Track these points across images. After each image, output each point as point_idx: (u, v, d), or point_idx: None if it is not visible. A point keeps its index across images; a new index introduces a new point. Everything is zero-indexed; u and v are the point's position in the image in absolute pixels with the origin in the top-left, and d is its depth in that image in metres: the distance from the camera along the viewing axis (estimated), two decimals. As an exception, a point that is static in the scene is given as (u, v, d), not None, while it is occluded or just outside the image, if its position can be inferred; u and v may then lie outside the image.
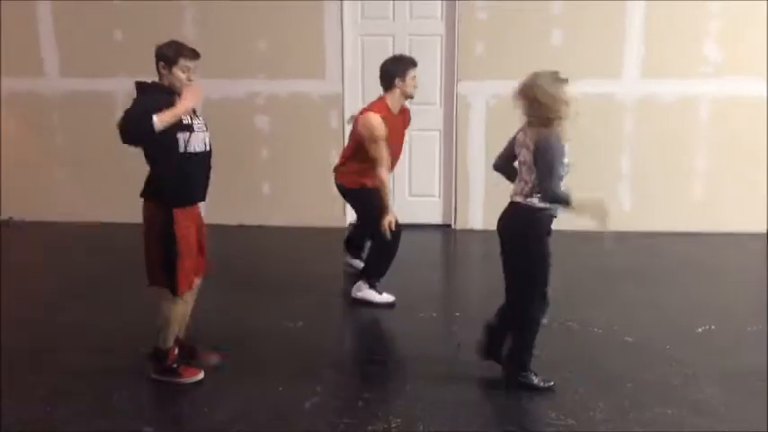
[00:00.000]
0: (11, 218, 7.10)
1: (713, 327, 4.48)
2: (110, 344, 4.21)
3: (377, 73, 4.76)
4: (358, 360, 4.16)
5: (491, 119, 6.64)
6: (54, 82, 6.89)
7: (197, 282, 3.76)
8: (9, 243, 6.40)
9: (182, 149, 3.49)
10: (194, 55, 3.58)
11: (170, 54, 3.52)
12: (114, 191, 6.72)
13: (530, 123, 3.54)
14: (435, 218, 7.01)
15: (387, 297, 4.87)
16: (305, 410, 3.48)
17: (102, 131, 6.18)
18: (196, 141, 3.54)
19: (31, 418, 3.40)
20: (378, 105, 4.69)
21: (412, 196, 6.92)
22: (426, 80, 6.70)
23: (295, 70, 6.71)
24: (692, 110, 6.58)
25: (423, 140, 6.85)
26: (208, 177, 3.70)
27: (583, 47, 6.48)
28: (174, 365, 3.72)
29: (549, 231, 3.59)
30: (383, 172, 4.61)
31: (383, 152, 4.59)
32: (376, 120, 4.57)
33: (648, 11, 6.44)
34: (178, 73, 3.53)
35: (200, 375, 3.75)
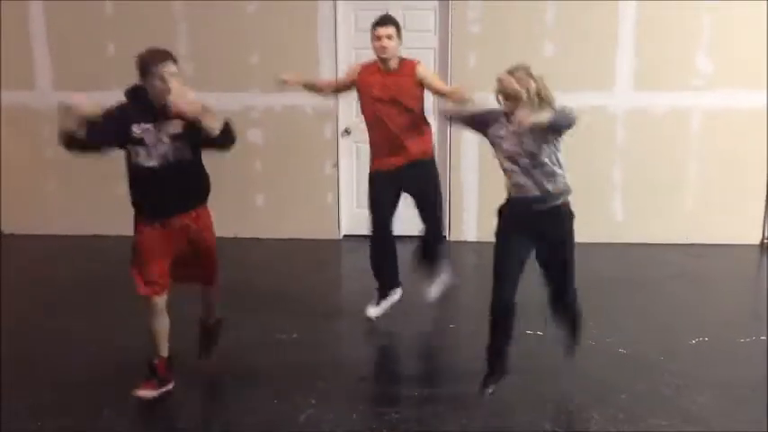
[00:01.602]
0: (0, 230, 7.07)
1: (706, 338, 4.50)
2: (101, 357, 4.19)
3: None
4: (352, 372, 4.15)
5: (484, 131, 6.65)
6: (46, 95, 6.89)
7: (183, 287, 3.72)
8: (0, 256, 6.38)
9: (138, 163, 3.42)
10: (164, 57, 3.41)
11: (141, 65, 3.41)
12: (106, 204, 6.70)
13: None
14: (429, 230, 7.01)
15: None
16: (299, 423, 3.48)
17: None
18: (149, 155, 3.40)
19: (23, 432, 3.39)
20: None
21: (406, 207, 6.92)
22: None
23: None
24: (683, 122, 6.62)
25: (416, 153, 6.86)
26: (175, 191, 3.50)
27: (575, 59, 6.52)
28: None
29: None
30: None
31: None
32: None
33: (640, 23, 6.49)
34: (153, 82, 3.39)
35: (151, 395, 3.64)
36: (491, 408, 3.69)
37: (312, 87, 4.85)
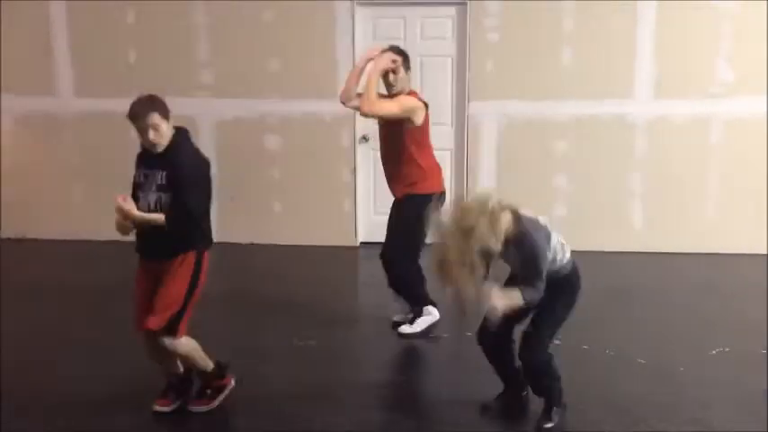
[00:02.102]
0: (24, 235, 7.14)
1: (727, 348, 4.44)
2: (120, 366, 4.20)
3: (388, 93, 4.77)
4: (370, 380, 4.14)
5: (502, 138, 6.65)
6: (68, 102, 6.96)
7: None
8: (23, 260, 6.44)
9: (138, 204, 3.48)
10: (145, 111, 3.36)
11: (129, 116, 3.42)
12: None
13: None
14: (446, 237, 6.99)
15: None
16: (316, 429, 3.47)
17: (115, 150, 6.25)
18: (142, 199, 3.46)
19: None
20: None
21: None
22: (438, 100, 6.74)
23: (307, 90, 6.75)
24: (703, 130, 6.57)
25: (434, 160, 6.87)
26: (156, 238, 3.45)
27: (594, 66, 6.50)
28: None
29: None
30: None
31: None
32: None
33: (659, 31, 6.46)
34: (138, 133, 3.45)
35: (165, 408, 3.65)
36: (508, 416, 3.67)
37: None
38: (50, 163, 7.10)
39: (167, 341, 3.49)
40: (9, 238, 7.04)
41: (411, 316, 4.75)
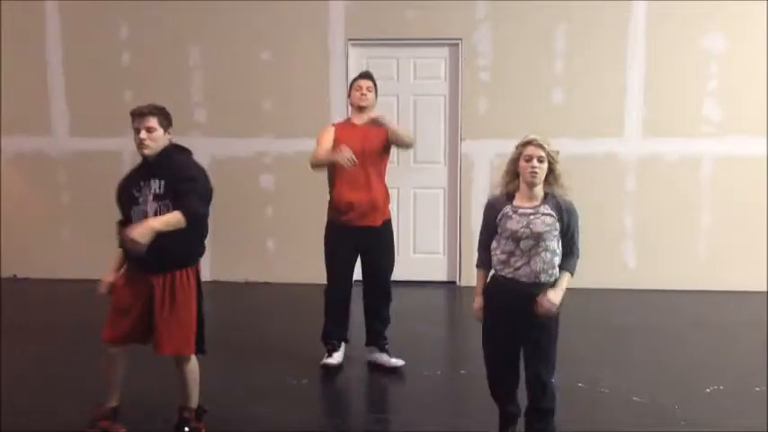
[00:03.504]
0: (15, 275, 7.11)
1: (721, 386, 4.43)
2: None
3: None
4: (363, 418, 4.11)
5: (495, 176, 6.65)
6: (62, 141, 7.00)
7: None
8: (13, 300, 6.40)
9: (131, 215, 3.50)
10: (139, 113, 3.48)
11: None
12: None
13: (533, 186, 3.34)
14: (440, 275, 7.00)
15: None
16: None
17: (108, 190, 6.22)
18: (138, 212, 3.46)
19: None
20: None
21: (416, 253, 6.93)
22: (430, 139, 6.82)
23: (301, 129, 6.80)
24: (694, 168, 6.64)
25: (427, 198, 6.90)
26: (150, 251, 3.32)
27: (584, 106, 6.59)
28: None
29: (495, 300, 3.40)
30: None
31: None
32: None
33: (649, 70, 6.57)
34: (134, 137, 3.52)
35: None
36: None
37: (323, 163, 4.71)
38: (41, 202, 7.10)
39: (190, 364, 3.57)
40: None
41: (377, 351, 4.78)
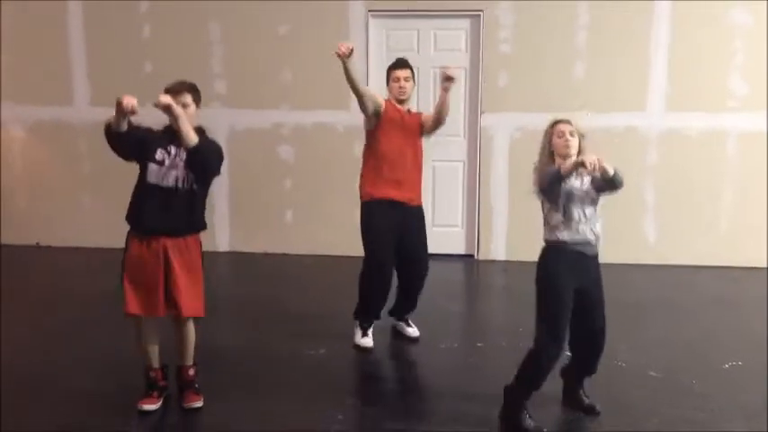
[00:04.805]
0: (38, 243, 7.21)
1: (740, 362, 4.41)
2: (130, 370, 4.21)
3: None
4: (380, 389, 4.14)
5: (514, 150, 6.66)
6: (83, 111, 7.04)
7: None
8: (36, 267, 6.50)
9: (148, 179, 3.57)
10: (176, 90, 3.58)
11: None
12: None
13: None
14: (458, 248, 7.01)
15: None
16: (325, 440, 3.47)
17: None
18: (161, 174, 3.55)
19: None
20: None
21: (435, 226, 6.92)
22: (450, 112, 6.75)
23: (320, 101, 6.80)
24: (717, 144, 6.56)
25: (446, 171, 6.88)
26: (172, 214, 3.55)
27: (606, 79, 6.51)
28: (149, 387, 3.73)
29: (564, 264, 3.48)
30: None
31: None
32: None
33: (673, 44, 6.47)
34: None
35: (153, 407, 3.68)
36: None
37: (353, 77, 4.55)
38: (62, 171, 7.17)
39: (192, 326, 3.65)
40: (23, 246, 7.12)
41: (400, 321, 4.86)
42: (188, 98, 3.58)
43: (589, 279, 3.52)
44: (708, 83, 6.48)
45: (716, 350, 4.63)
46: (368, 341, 4.65)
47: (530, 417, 3.49)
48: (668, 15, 6.45)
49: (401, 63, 4.66)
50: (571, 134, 3.46)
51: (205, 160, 3.50)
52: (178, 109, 3.40)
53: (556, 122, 3.50)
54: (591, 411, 3.67)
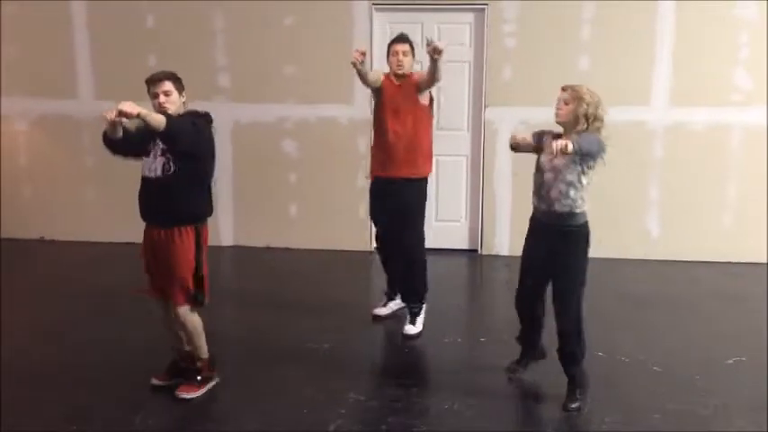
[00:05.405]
0: (42, 237, 7.22)
1: (743, 358, 4.41)
2: (136, 363, 4.24)
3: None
4: (383, 384, 4.14)
5: (518, 145, 6.63)
6: (87, 104, 7.03)
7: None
8: (40, 261, 6.51)
9: (142, 173, 3.72)
10: (157, 79, 3.62)
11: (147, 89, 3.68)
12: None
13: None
14: (461, 243, 7.00)
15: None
16: (327, 433, 3.48)
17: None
18: (149, 166, 3.66)
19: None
20: None
21: (438, 221, 6.92)
22: (454, 106, 6.77)
23: (324, 95, 6.79)
24: (722, 138, 6.53)
25: (450, 165, 6.87)
26: (160, 203, 3.65)
27: (611, 73, 6.48)
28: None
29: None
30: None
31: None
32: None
33: (678, 38, 6.44)
34: (151, 102, 3.65)
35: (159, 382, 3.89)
36: (519, 422, 3.67)
37: (367, 79, 4.72)
38: (66, 165, 7.17)
39: (181, 311, 3.69)
40: (26, 239, 7.13)
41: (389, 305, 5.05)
42: (168, 85, 3.61)
43: (552, 249, 3.68)
44: (712, 77, 6.45)
45: (719, 345, 4.63)
46: (377, 310, 5.03)
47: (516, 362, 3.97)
48: (673, 9, 6.41)
49: (400, 38, 4.79)
50: (566, 102, 3.67)
51: (175, 134, 3.50)
52: (130, 107, 3.33)
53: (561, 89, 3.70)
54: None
